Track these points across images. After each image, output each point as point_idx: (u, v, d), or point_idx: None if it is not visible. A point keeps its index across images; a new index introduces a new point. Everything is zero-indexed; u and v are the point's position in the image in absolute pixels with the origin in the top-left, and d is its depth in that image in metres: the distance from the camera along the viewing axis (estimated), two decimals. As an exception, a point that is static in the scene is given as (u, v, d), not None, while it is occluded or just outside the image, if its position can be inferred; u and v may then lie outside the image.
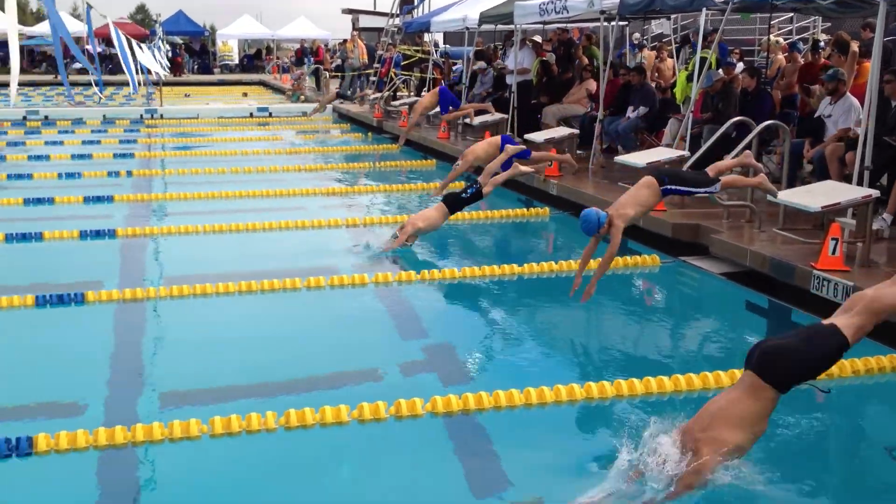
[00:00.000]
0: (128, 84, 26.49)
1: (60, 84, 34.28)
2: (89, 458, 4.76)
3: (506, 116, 15.12)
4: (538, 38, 17.11)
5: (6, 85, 35.14)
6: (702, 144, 10.16)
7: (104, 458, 4.78)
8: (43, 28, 42.61)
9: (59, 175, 13.91)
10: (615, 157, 11.39)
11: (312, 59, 33.14)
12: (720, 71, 11.68)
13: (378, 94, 22.18)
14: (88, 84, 27.33)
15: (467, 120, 15.83)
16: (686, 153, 10.13)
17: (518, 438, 5.03)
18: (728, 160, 7.27)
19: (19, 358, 6.33)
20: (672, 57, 15.87)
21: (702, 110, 11.47)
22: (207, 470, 4.75)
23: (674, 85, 13.65)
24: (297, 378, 5.94)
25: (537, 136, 13.19)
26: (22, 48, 38.69)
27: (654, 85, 13.71)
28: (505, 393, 5.37)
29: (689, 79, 11.92)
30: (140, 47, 25.28)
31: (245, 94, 31.40)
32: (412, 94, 22.65)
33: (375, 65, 24.45)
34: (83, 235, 9.77)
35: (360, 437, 5.06)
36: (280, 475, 4.66)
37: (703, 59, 10.89)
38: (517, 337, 6.82)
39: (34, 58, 43.21)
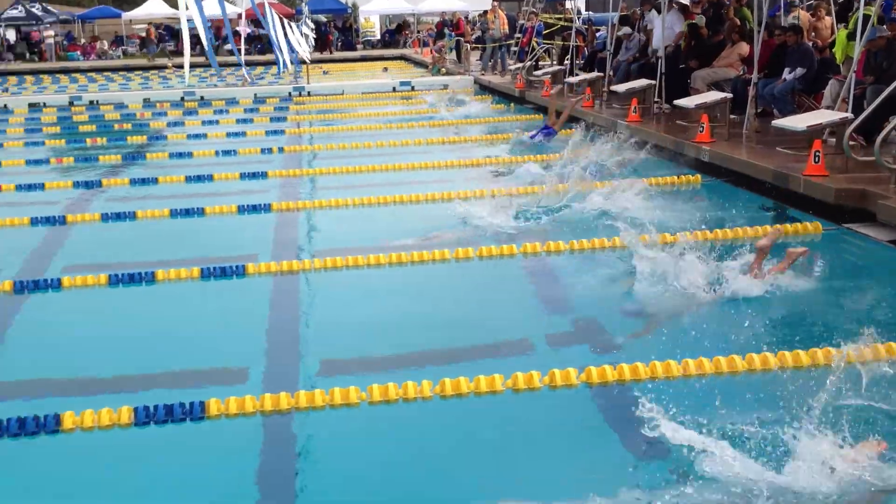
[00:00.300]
0: (276, 63, 27.36)
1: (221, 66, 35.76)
2: (255, 422, 4.97)
3: (653, 83, 14.73)
4: (686, 1, 16.55)
5: (163, 68, 36.67)
6: (865, 106, 9.60)
7: (269, 423, 4.98)
8: (195, 12, 44.34)
9: (217, 153, 14.50)
10: (772, 122, 10.93)
11: (453, 31, 33.21)
12: (884, 27, 10.98)
13: (520, 65, 22.04)
14: (238, 65, 28.26)
15: (615, 88, 15.52)
16: (849, 115, 9.61)
17: (675, 409, 4.92)
18: (754, 258, 6.67)
19: (188, 327, 6.66)
20: (830, 15, 15.04)
21: (864, 70, 10.83)
22: (366, 436, 4.87)
23: (832, 44, 12.95)
24: (451, 347, 6.02)
25: (687, 102, 12.81)
26: (176, 31, 40.52)
27: (810, 45, 13.04)
28: (662, 363, 5.26)
29: (851, 37, 11.28)
30: (290, 27, 26.00)
31: (385, 70, 31.79)
32: (554, 62, 22.39)
33: (517, 35, 24.28)
34: (241, 210, 10.16)
35: (514, 406, 5.08)
36: (435, 442, 4.74)
37: (865, 16, 10.27)
38: (669, 308, 6.66)
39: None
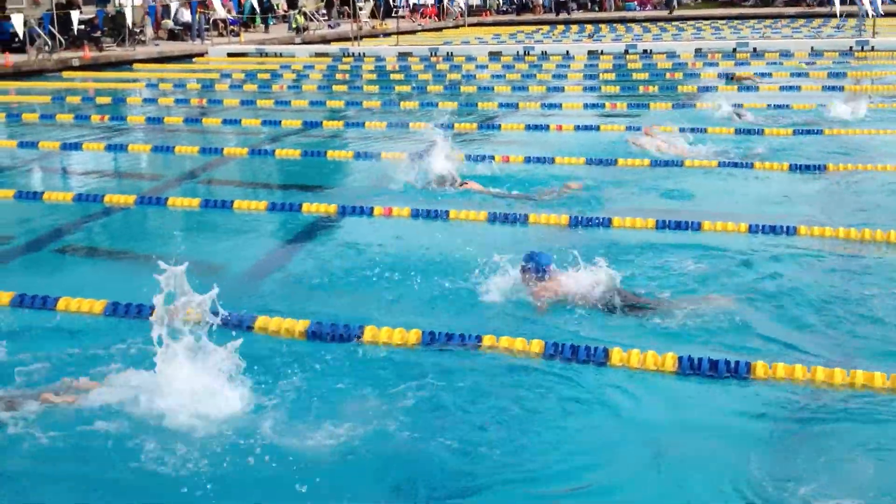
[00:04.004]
0: (834, 16, 25.50)
1: (767, 17, 34.60)
2: (793, 391, 4.71)
3: None
4: None
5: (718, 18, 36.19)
6: None
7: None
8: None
9: (769, 105, 13.96)
10: None
11: None
12: None
13: None
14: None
15: None
16: None
17: None
18: None
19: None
20: None
21: None
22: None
23: None
24: None
25: None
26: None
27: None
28: None
29: None
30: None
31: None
32: None
33: None
34: (792, 168, 9.70)
35: None
36: None
37: None
38: None
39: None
